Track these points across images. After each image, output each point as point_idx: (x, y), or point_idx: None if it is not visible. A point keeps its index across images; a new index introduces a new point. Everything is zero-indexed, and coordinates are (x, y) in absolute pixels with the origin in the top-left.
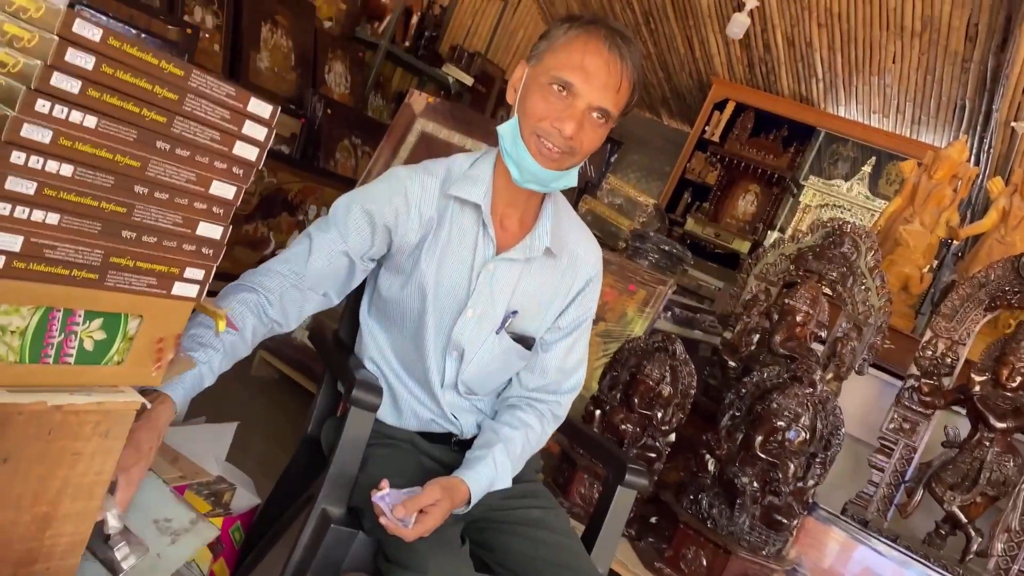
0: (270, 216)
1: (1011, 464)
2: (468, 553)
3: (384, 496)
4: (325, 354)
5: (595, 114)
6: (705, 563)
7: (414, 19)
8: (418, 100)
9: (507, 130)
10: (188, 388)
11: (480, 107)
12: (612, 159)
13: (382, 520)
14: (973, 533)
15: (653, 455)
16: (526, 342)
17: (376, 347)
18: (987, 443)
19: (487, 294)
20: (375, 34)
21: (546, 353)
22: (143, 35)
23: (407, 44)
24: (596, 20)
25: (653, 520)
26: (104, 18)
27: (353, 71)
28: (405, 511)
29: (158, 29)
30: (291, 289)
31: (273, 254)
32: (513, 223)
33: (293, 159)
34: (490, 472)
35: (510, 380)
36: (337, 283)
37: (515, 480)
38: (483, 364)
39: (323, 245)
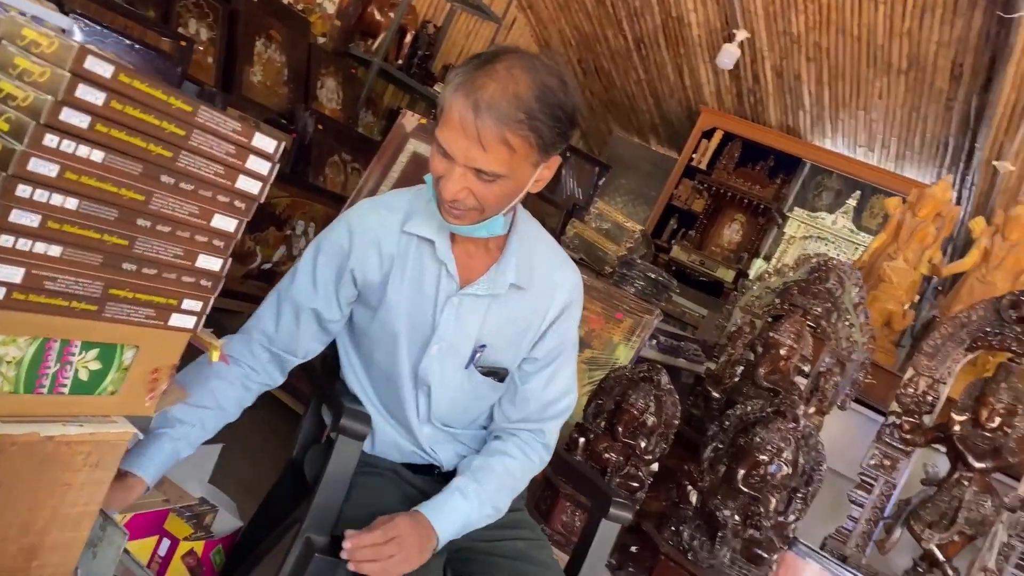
0: (257, 230)
1: (988, 504)
2: None
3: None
4: (313, 379)
5: (480, 174)
6: None
7: (408, 38)
8: (410, 120)
9: (428, 182)
10: (160, 466)
11: None
12: (600, 182)
13: (355, 565)
14: (950, 572)
15: (636, 484)
16: (498, 375)
17: (355, 378)
18: (966, 482)
19: (452, 329)
20: (368, 51)
21: (525, 385)
22: (136, 46)
23: (400, 62)
24: (481, 65)
25: (633, 549)
26: (109, 35)
27: (345, 87)
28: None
29: (152, 40)
30: (266, 353)
31: (260, 268)
32: (479, 252)
33: (283, 174)
34: (456, 501)
35: (493, 410)
36: (313, 338)
37: None
38: (453, 399)
39: (291, 304)
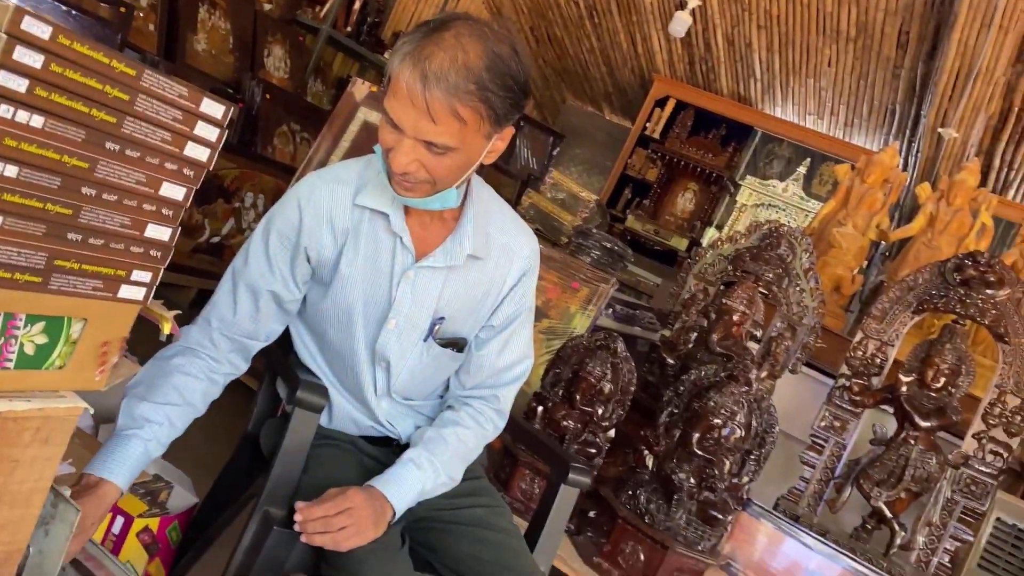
0: (205, 203)
1: (933, 461)
2: (407, 554)
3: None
4: (266, 353)
5: (430, 146)
6: (643, 558)
7: (356, 4)
8: (360, 89)
9: (378, 153)
10: (133, 469)
11: None
12: (554, 152)
13: (307, 537)
14: (897, 528)
15: (593, 451)
16: (457, 345)
17: (308, 355)
18: (912, 441)
19: (410, 303)
20: (316, 18)
21: (480, 351)
22: (73, 12)
23: (349, 29)
24: (429, 33)
25: (592, 514)
26: (44, 0)
27: (293, 55)
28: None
29: (90, 6)
30: (227, 341)
31: (208, 241)
32: (435, 224)
33: (230, 144)
34: (409, 472)
35: (449, 380)
36: (274, 320)
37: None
38: (412, 373)
39: (247, 288)
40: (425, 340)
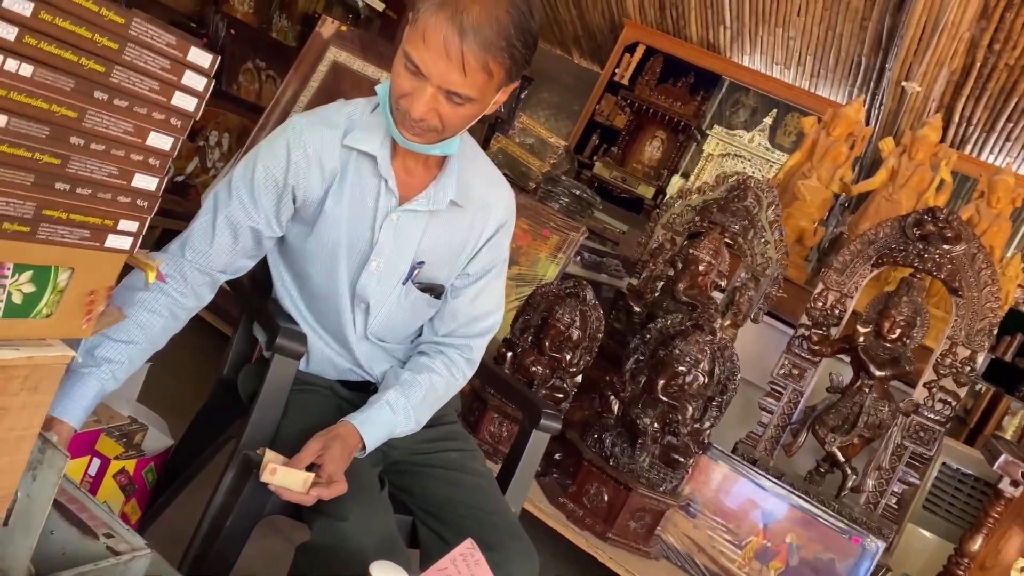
0: None
1: (886, 409)
2: (387, 496)
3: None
4: (243, 298)
5: (451, 96)
6: (607, 499)
7: None
8: (329, 27)
9: (382, 93)
10: (88, 408)
11: (390, 34)
12: (522, 95)
13: (285, 497)
14: (849, 471)
15: (560, 395)
16: (435, 291)
17: (288, 297)
18: (867, 389)
19: (391, 246)
20: None
21: (455, 299)
22: None
23: None
24: None
25: (558, 457)
26: None
27: None
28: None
29: None
30: (198, 274)
31: (172, 181)
32: (419, 169)
33: None
34: (385, 415)
35: (423, 326)
36: (248, 255)
37: (434, 423)
38: (390, 315)
39: (228, 221)
40: (404, 283)
